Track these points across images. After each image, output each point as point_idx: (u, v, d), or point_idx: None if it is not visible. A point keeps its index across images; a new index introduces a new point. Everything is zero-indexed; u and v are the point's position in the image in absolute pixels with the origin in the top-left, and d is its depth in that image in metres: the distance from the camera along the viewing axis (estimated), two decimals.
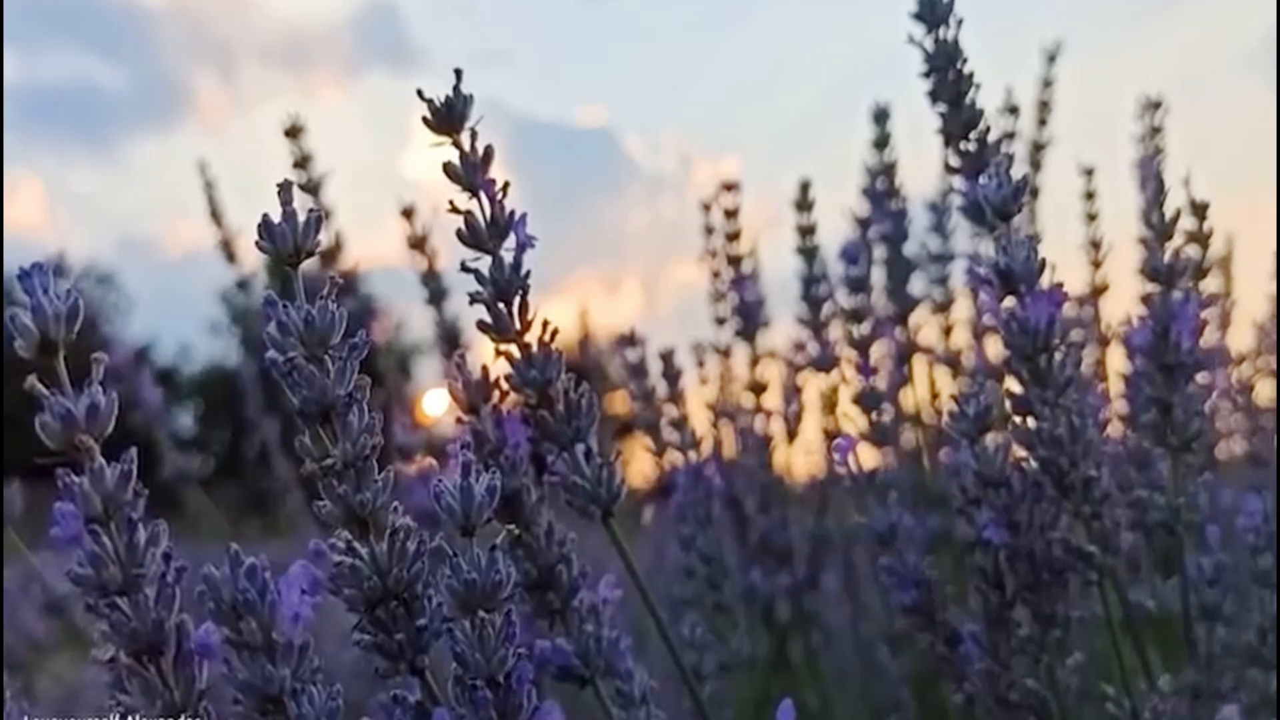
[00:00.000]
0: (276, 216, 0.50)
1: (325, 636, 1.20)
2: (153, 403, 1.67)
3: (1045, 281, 0.67)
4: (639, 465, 1.52)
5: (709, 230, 1.35)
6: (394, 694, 0.52)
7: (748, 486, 1.26)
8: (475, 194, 0.59)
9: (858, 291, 1.17)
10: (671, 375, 1.13)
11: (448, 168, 0.59)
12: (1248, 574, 0.79)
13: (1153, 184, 0.76)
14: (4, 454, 1.78)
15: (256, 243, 0.51)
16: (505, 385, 0.62)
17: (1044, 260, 0.66)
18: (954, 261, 1.31)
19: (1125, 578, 0.72)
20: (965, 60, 0.73)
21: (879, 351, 1.15)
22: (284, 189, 0.51)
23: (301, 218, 0.51)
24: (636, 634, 0.89)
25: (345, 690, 0.48)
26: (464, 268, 0.60)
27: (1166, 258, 0.73)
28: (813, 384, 1.30)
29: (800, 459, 1.37)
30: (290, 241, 0.50)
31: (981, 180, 0.67)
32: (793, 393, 1.34)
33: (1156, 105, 1.20)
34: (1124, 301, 1.55)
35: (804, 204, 1.25)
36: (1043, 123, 1.41)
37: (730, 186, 1.33)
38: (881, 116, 1.26)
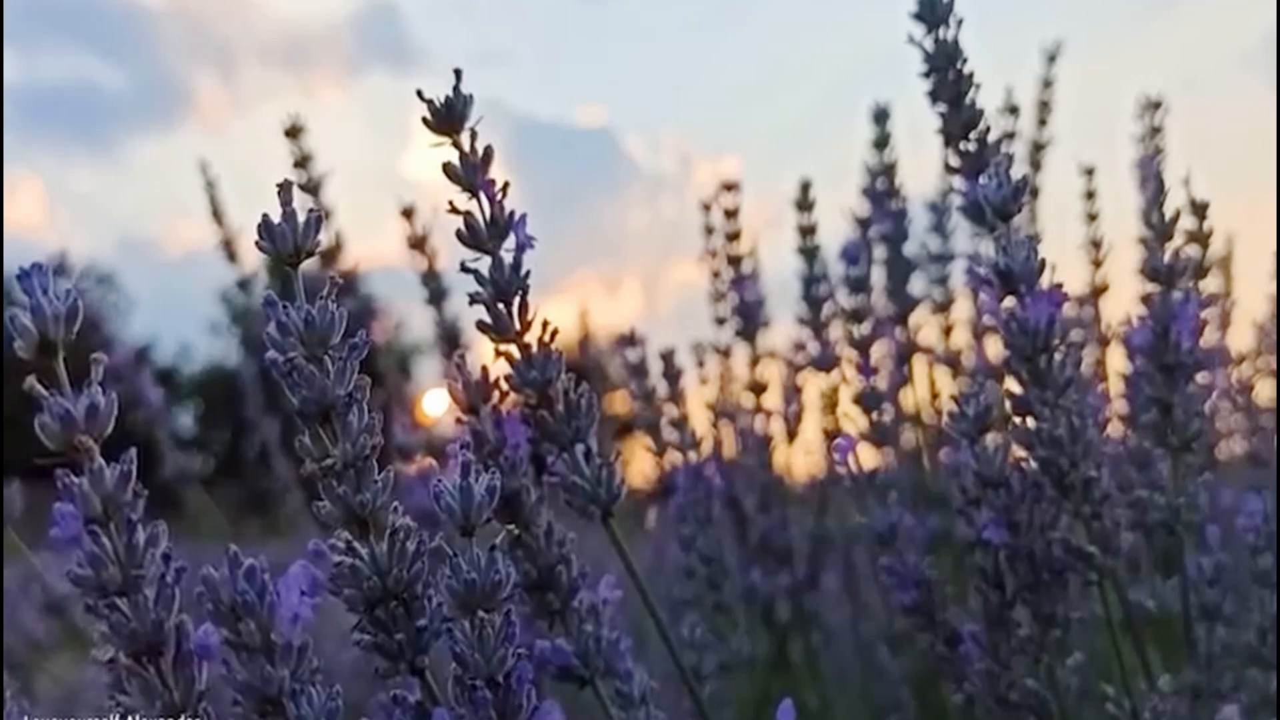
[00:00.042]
0: (276, 216, 0.50)
1: (325, 636, 1.20)
2: (153, 403, 1.67)
3: (1045, 281, 0.66)
4: (639, 465, 1.52)
5: (709, 230, 1.35)
6: (394, 694, 0.52)
7: (748, 486, 1.26)
8: (475, 194, 0.59)
9: (858, 291, 1.17)
10: (671, 375, 1.13)
11: (447, 168, 0.59)
12: (1248, 574, 0.79)
13: (1153, 184, 0.76)
14: (4, 454, 1.78)
15: (256, 243, 0.51)
16: (505, 385, 0.62)
17: (1044, 260, 0.66)
18: (954, 261, 1.31)
19: (1125, 578, 0.72)
20: (965, 60, 0.73)
21: (879, 351, 1.14)
22: (284, 189, 0.51)
23: (301, 218, 0.51)
24: (636, 634, 0.89)
25: (345, 690, 0.48)
26: (464, 268, 0.60)
27: (1166, 258, 0.73)
28: (813, 384, 1.30)
29: (800, 459, 1.38)
30: (290, 241, 0.50)
31: (981, 180, 0.67)
32: (793, 393, 1.34)
33: (1156, 105, 1.20)
34: (1124, 301, 1.55)
35: (804, 204, 1.24)
36: (1043, 123, 1.41)
37: (730, 186, 1.33)
38: (881, 116, 1.26)
